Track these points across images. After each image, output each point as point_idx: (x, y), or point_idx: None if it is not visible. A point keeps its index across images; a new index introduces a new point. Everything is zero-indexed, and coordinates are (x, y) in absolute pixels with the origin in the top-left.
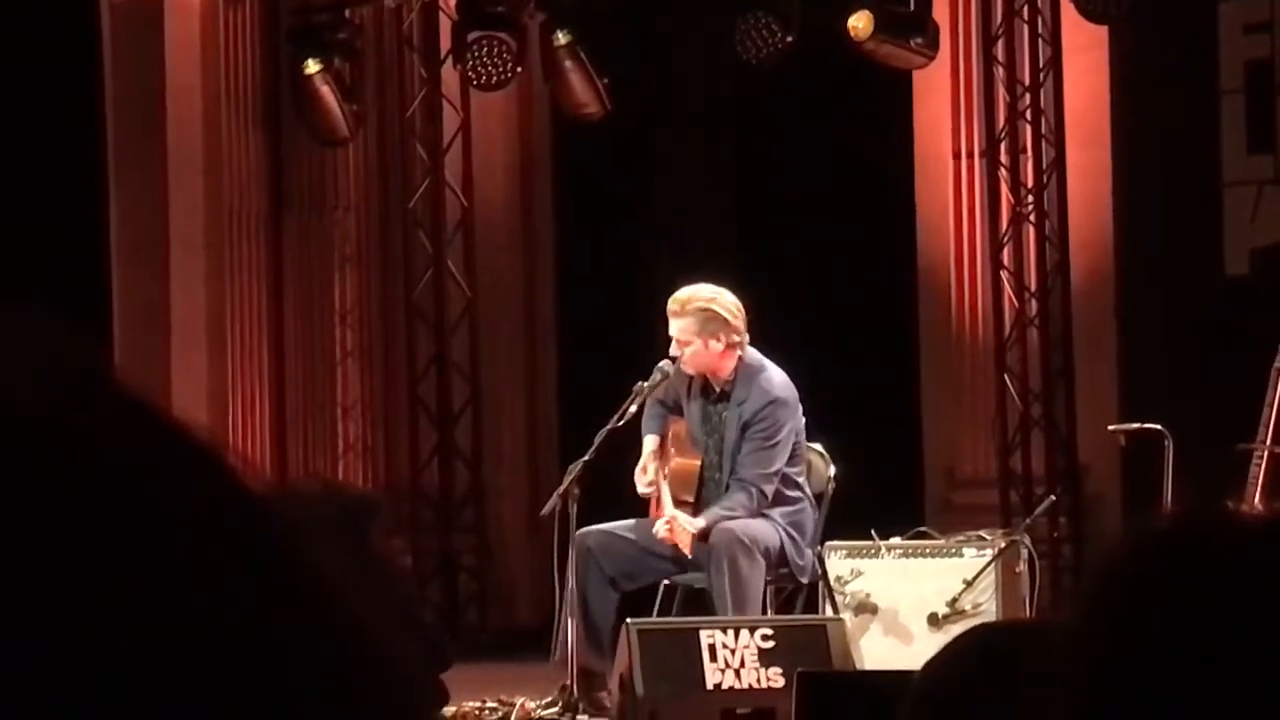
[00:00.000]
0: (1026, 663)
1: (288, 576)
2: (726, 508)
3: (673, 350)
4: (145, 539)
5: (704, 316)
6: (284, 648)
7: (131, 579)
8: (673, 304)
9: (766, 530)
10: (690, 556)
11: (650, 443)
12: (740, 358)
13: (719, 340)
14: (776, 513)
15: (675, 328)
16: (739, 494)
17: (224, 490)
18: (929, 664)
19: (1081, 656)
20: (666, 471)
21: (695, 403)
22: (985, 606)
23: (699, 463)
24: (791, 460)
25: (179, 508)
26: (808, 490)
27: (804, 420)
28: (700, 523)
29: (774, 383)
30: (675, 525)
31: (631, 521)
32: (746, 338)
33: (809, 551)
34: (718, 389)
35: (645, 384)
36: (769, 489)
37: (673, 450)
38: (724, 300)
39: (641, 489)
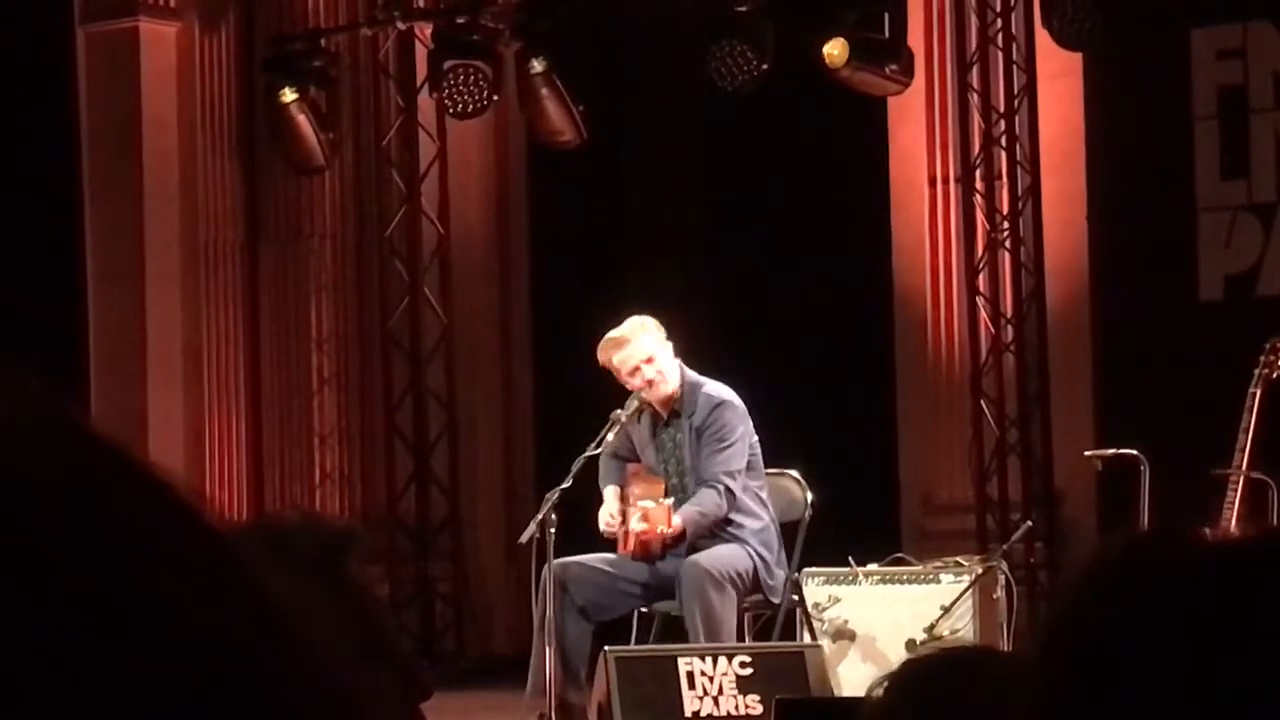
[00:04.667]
0: (969, 692)
1: (250, 611)
2: (698, 505)
3: (637, 382)
4: (105, 576)
5: (651, 328)
6: (244, 682)
7: (90, 617)
8: (619, 336)
9: (738, 555)
10: (670, 533)
11: (610, 493)
12: (682, 374)
13: (668, 347)
14: (747, 533)
15: (636, 354)
16: (707, 491)
17: (186, 529)
18: (870, 704)
19: (1043, 682)
20: (634, 501)
21: (645, 435)
22: (963, 632)
23: (661, 487)
24: (752, 474)
25: (140, 547)
26: (770, 507)
27: (757, 437)
28: (669, 503)
29: (717, 390)
30: (649, 513)
31: (609, 556)
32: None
33: (778, 571)
34: (665, 415)
35: (622, 412)
36: (735, 485)
37: (637, 484)
38: (649, 319)
39: (604, 528)
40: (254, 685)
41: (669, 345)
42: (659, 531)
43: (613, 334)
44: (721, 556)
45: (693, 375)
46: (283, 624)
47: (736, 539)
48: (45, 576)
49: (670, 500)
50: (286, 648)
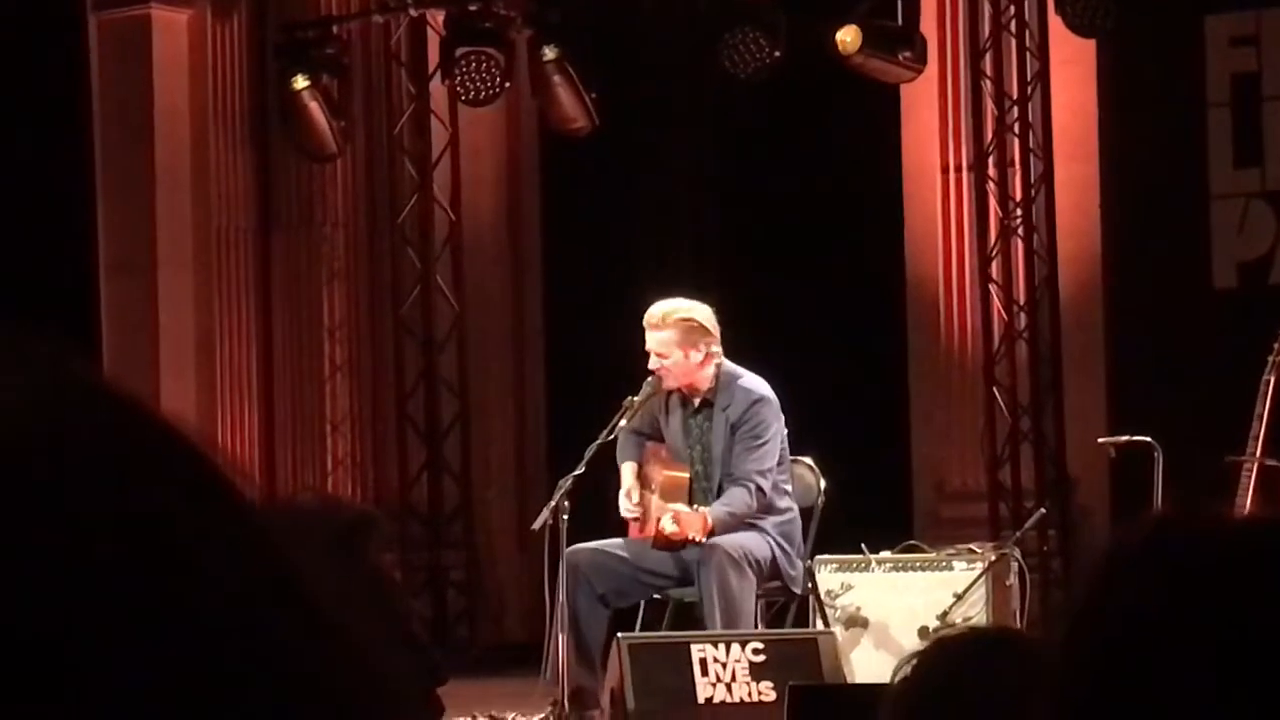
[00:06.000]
0: (996, 671)
1: (280, 580)
2: (726, 504)
3: (652, 363)
4: (136, 539)
5: (685, 327)
6: (277, 652)
7: (121, 578)
8: (651, 318)
9: (757, 542)
10: (704, 541)
11: (628, 470)
12: (719, 366)
13: (699, 350)
14: (768, 523)
15: (655, 341)
16: (737, 490)
17: (214, 492)
18: (899, 680)
19: (1065, 667)
20: (655, 487)
21: (674, 417)
22: (976, 620)
23: (688, 475)
24: (779, 467)
25: (169, 508)
26: (794, 498)
27: (786, 431)
28: (705, 510)
29: (755, 385)
30: (681, 517)
31: (622, 540)
32: (720, 349)
33: (800, 562)
34: (696, 401)
35: (635, 398)
36: (765, 485)
37: (659, 468)
38: (702, 311)
39: (625, 513)
40: (281, 656)
41: (706, 343)
42: (690, 537)
43: (655, 308)
44: (739, 541)
45: (730, 366)
46: (311, 596)
47: (755, 527)
48: (67, 539)
49: (705, 509)
50: (314, 616)
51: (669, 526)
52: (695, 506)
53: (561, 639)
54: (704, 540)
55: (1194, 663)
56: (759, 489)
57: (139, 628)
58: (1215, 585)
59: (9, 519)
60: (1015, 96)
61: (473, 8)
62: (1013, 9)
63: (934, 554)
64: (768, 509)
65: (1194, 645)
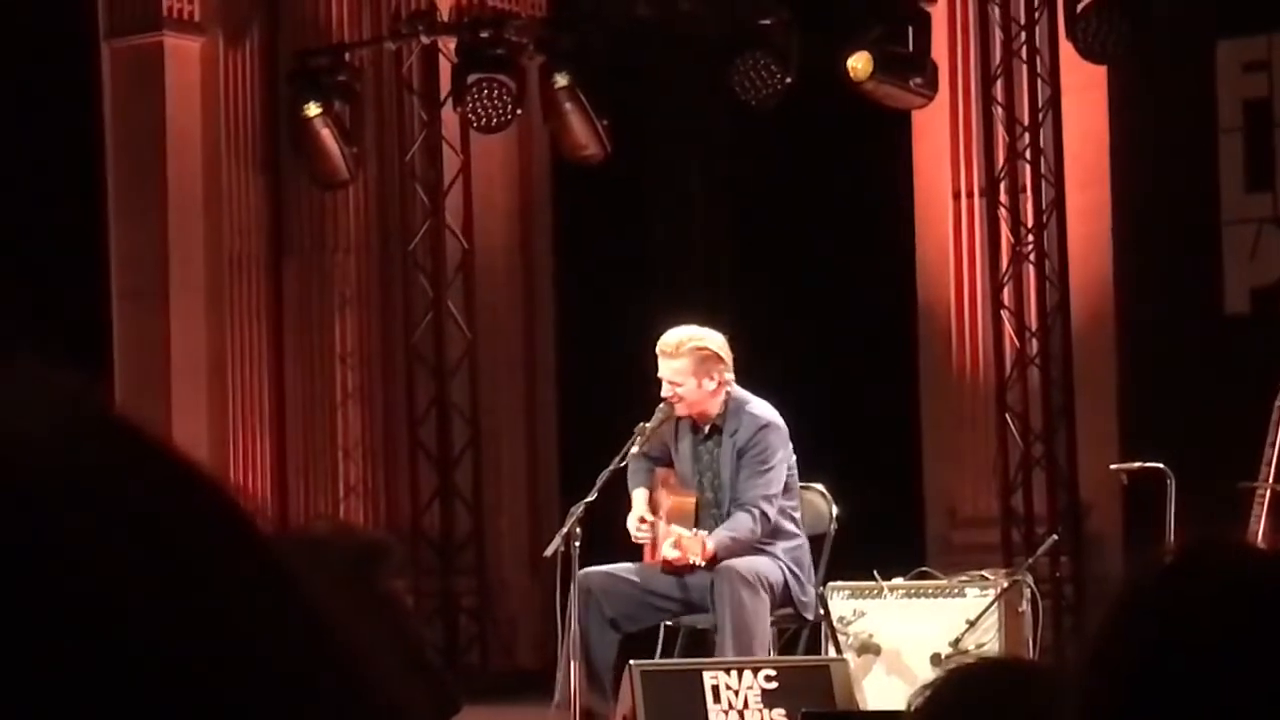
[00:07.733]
0: (1011, 702)
1: (292, 609)
2: (731, 529)
3: (664, 391)
4: (146, 570)
5: (699, 357)
6: (288, 684)
7: (133, 610)
8: (665, 346)
9: (770, 566)
10: (703, 565)
11: (640, 496)
12: (727, 394)
13: (712, 379)
14: (778, 548)
15: (668, 370)
16: (742, 515)
17: (228, 524)
18: (913, 709)
19: (1086, 696)
20: (663, 512)
21: (684, 443)
22: (988, 646)
23: (694, 499)
24: (787, 494)
25: (181, 541)
26: (802, 525)
27: (795, 457)
28: (704, 534)
29: (763, 410)
30: (682, 541)
31: (633, 565)
32: (733, 376)
33: (812, 589)
34: (705, 428)
35: (647, 424)
36: (770, 511)
37: (666, 494)
38: (715, 340)
39: (635, 536)
40: (296, 685)
41: (719, 372)
42: (690, 561)
43: (669, 336)
44: (751, 563)
45: (739, 392)
46: (326, 624)
47: (765, 552)
48: (83, 571)
49: (704, 533)
50: (329, 649)
51: (670, 553)
52: (696, 531)
53: (573, 665)
54: (704, 564)
55: (1210, 695)
56: (763, 514)
57: (154, 658)
58: (1231, 619)
59: (29, 550)
60: (1026, 123)
61: (484, 35)
62: (1024, 35)
63: (946, 581)
64: (775, 534)
65: (1210, 677)
